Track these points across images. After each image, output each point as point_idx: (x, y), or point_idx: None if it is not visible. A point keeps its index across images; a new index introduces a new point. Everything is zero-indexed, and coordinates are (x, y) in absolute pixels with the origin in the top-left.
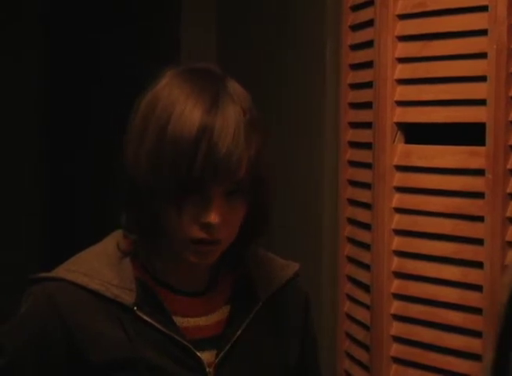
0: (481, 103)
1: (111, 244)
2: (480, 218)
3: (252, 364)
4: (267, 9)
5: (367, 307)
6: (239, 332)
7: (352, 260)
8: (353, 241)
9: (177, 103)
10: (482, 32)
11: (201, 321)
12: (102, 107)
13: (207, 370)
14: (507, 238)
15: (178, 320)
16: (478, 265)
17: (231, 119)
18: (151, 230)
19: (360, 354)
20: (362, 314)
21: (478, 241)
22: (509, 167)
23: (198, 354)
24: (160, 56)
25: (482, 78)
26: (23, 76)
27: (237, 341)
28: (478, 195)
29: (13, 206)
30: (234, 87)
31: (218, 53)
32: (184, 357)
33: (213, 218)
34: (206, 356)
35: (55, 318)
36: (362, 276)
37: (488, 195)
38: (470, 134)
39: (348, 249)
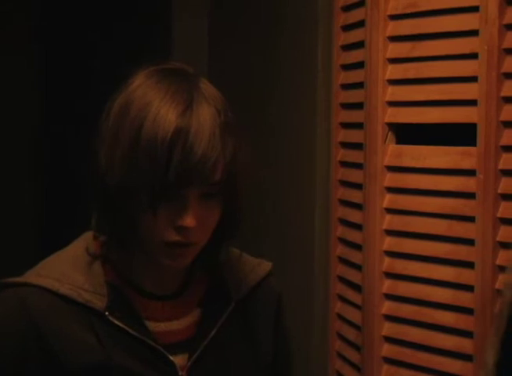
0: (472, 103)
1: (81, 246)
2: (471, 219)
3: (225, 366)
4: (259, 10)
5: (358, 307)
6: (211, 335)
7: (344, 260)
8: (344, 241)
9: (151, 105)
10: (473, 32)
11: (173, 325)
12: (98, 108)
13: (180, 373)
14: (499, 238)
15: (150, 325)
16: (470, 265)
17: (206, 122)
18: (124, 233)
19: (351, 354)
20: (353, 314)
21: (470, 241)
22: (500, 167)
23: (171, 358)
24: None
25: (473, 79)
26: (19, 79)
27: (210, 343)
28: (470, 195)
29: (10, 206)
30: (208, 88)
31: (210, 52)
32: (156, 361)
33: (189, 221)
34: (178, 360)
35: (26, 323)
36: (354, 276)
37: (479, 195)
38: (462, 134)
39: (340, 249)
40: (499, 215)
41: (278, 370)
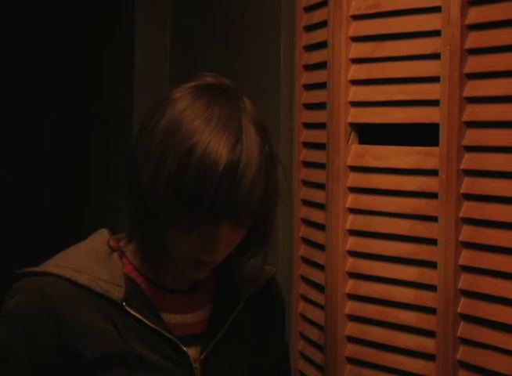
0: (435, 103)
1: (98, 240)
2: (434, 219)
3: (236, 361)
4: (221, 11)
5: (321, 307)
6: (223, 330)
7: (307, 260)
8: (307, 242)
9: (201, 132)
10: (435, 33)
11: (187, 318)
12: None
13: (194, 365)
14: (461, 238)
15: (166, 317)
16: (432, 265)
17: (254, 157)
18: (155, 245)
19: (314, 354)
20: (316, 314)
21: (433, 241)
22: (462, 167)
23: (185, 349)
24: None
25: (435, 79)
26: None
27: (222, 338)
28: (432, 195)
29: None
30: (252, 111)
31: (172, 56)
32: (172, 353)
33: (220, 250)
34: (191, 352)
35: (46, 311)
36: (317, 276)
37: (441, 195)
38: (425, 134)
39: (303, 249)
40: (461, 215)
41: (281, 370)
